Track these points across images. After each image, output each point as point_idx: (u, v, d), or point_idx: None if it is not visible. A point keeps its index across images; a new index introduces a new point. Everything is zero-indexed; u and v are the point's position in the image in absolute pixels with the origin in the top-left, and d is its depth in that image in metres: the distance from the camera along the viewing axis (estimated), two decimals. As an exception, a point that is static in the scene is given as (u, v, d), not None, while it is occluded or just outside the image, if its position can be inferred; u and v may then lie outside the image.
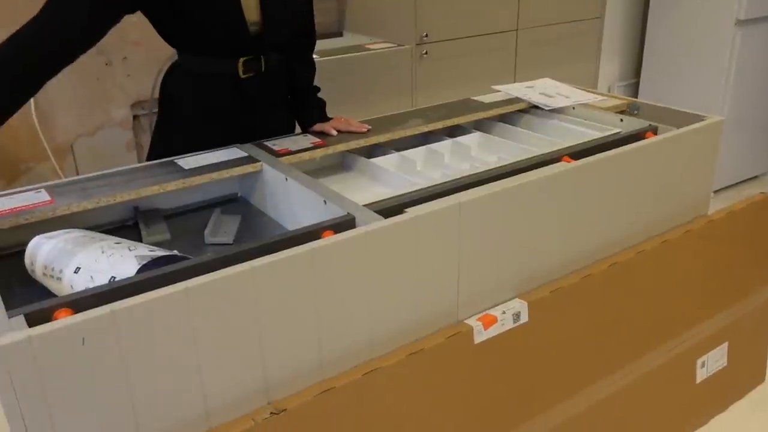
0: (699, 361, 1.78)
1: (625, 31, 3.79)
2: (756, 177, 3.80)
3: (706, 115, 1.67)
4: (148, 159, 1.67)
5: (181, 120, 1.67)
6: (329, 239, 1.08)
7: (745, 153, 3.62)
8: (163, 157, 1.54)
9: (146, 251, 1.08)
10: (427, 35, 2.81)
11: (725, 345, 1.84)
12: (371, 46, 2.78)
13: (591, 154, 1.43)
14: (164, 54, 2.78)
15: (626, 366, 1.56)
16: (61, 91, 2.62)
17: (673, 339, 1.67)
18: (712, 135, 1.66)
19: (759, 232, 1.83)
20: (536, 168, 1.37)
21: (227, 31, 1.54)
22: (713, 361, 1.82)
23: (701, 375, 1.79)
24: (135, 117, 2.81)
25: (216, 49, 1.59)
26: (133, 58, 2.73)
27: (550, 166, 1.39)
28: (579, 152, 1.49)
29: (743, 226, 1.77)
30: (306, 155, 1.55)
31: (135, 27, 2.68)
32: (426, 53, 2.84)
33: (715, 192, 3.55)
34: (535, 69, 3.22)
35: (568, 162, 1.42)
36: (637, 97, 3.20)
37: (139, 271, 1.03)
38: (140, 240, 1.33)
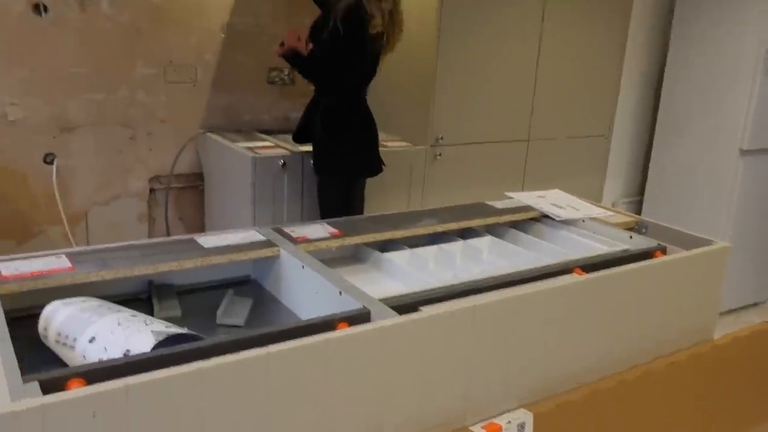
0: (700, 490, 1.73)
1: (631, 150, 3.92)
2: (756, 304, 3.82)
3: (714, 239, 1.72)
4: (320, 169, 2.43)
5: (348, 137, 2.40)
6: (345, 331, 1.08)
7: (745, 279, 3.65)
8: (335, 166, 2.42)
9: (162, 327, 1.09)
10: (441, 138, 2.91)
11: (727, 475, 1.79)
12: (387, 143, 2.87)
13: (602, 268, 1.46)
14: (187, 132, 2.88)
15: (627, 488, 1.53)
16: (84, 160, 2.68)
17: (675, 464, 1.64)
18: (719, 260, 1.69)
19: (761, 362, 1.83)
20: (549, 277, 1.40)
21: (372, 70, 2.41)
22: (714, 491, 1.77)
23: (702, 505, 1.74)
24: (151, 190, 2.87)
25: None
26: (158, 133, 2.82)
27: (563, 276, 1.41)
28: (590, 265, 1.51)
29: (747, 354, 1.77)
30: (323, 244, 1.57)
31: (164, 105, 2.80)
32: (440, 155, 2.93)
33: (715, 315, 3.55)
34: (543, 178, 3.31)
35: (580, 274, 1.44)
36: (640, 215, 3.28)
37: (155, 347, 1.03)
38: (152, 314, 1.33)
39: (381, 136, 2.61)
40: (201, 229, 3.02)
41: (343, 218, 1.81)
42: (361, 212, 2.57)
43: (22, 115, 2.52)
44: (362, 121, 2.42)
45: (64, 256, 1.36)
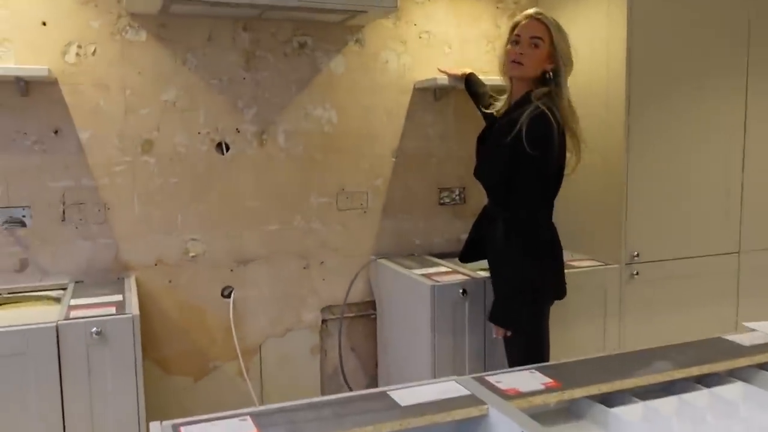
0: None
1: None
2: None
3: None
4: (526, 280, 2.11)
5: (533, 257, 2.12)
6: None
7: None
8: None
9: None
10: (638, 255, 2.58)
11: None
12: (575, 263, 2.58)
13: None
14: (358, 260, 2.78)
15: None
16: (260, 292, 2.65)
17: None
18: None
19: None
20: None
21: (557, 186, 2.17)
22: None
23: None
24: (323, 321, 2.77)
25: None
26: (330, 263, 2.74)
27: None
28: None
29: None
30: (538, 399, 1.30)
31: (336, 234, 2.74)
32: (636, 274, 2.58)
33: None
34: (763, 298, 2.82)
35: None
36: None
37: None
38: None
39: (566, 255, 2.35)
40: (374, 360, 2.84)
41: (554, 363, 1.53)
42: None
43: (202, 250, 2.55)
44: (547, 239, 2.16)
45: (248, 418, 1.20)
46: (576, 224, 2.70)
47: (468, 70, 2.67)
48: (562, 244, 2.19)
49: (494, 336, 2.17)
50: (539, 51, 2.10)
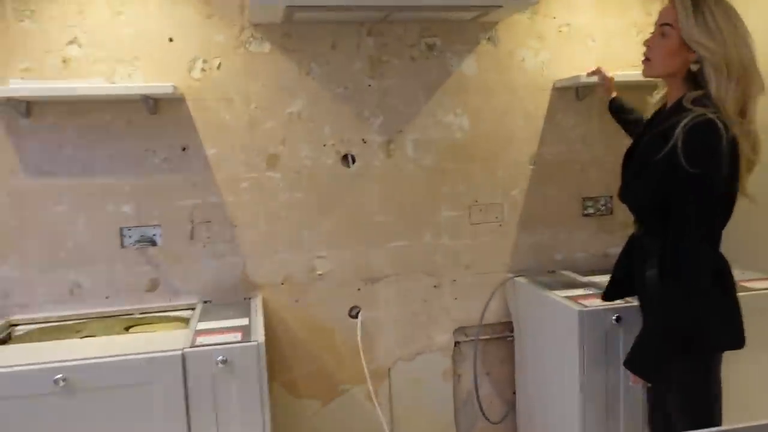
0: None
1: None
2: None
3: None
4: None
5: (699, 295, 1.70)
6: None
7: None
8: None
9: None
10: (832, 275, 2.16)
11: None
12: (746, 284, 2.21)
13: None
14: (492, 278, 2.56)
15: None
16: (388, 312, 2.50)
17: None
18: None
19: None
20: None
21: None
22: None
23: None
24: (456, 343, 2.57)
25: None
26: (463, 281, 2.54)
27: None
28: None
29: None
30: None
31: (468, 250, 2.53)
32: (831, 298, 2.16)
33: None
34: None
35: None
36: None
37: None
38: None
39: (736, 274, 1.99)
40: (511, 387, 2.61)
41: (742, 427, 1.23)
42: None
43: (329, 268, 2.44)
44: (713, 277, 1.72)
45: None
46: (746, 235, 2.32)
47: (614, 94, 2.33)
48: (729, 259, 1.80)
49: (630, 383, 1.84)
50: (668, 41, 1.70)
